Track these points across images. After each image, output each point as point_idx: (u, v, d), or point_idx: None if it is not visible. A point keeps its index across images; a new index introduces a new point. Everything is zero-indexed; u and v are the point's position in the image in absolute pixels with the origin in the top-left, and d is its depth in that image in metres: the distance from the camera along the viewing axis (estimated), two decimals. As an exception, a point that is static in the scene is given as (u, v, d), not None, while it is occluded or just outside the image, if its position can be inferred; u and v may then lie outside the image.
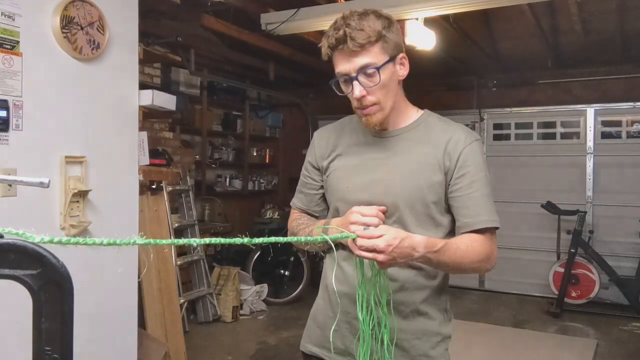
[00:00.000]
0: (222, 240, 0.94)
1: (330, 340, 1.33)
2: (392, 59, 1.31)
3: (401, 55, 1.34)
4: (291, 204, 1.56)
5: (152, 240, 0.82)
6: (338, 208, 1.42)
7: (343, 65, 1.29)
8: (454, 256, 1.26)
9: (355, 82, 1.29)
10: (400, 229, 1.25)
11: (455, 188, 1.34)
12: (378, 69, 1.28)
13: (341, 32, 1.27)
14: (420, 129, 1.40)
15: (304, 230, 1.43)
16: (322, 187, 1.49)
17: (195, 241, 0.92)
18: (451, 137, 1.36)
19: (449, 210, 1.37)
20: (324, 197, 1.50)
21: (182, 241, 0.92)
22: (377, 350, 1.26)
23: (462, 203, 1.33)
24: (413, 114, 1.43)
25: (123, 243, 0.77)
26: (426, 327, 1.38)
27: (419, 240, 1.19)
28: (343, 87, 1.34)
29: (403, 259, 1.18)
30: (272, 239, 1.07)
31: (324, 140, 1.49)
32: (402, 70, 1.35)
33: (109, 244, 0.75)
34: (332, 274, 1.34)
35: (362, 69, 1.27)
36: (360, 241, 1.15)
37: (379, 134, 1.41)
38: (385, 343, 1.23)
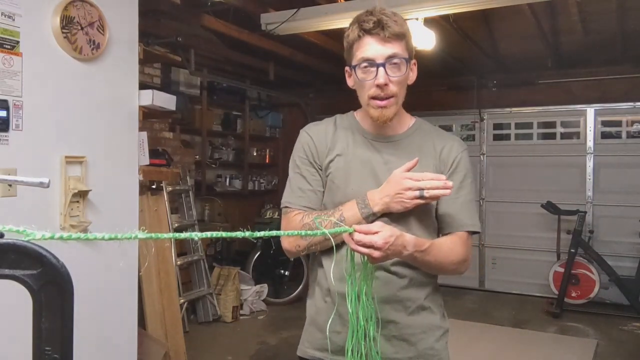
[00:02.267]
0: (223, 233, 0.93)
1: (327, 337, 1.32)
2: (410, 59, 1.36)
3: (414, 60, 1.40)
4: (290, 204, 1.42)
5: (153, 235, 0.81)
6: (338, 205, 1.40)
7: (372, 51, 1.30)
8: (437, 256, 1.31)
9: (381, 69, 1.30)
10: (405, 231, 1.27)
11: None
12: (407, 60, 1.32)
13: (378, 18, 1.29)
14: (416, 135, 1.45)
15: (326, 220, 1.31)
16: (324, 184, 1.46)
17: (196, 235, 0.91)
18: (445, 145, 1.43)
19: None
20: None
21: (183, 235, 0.92)
22: (369, 344, 1.26)
23: (448, 206, 1.39)
24: (408, 120, 1.47)
25: (124, 237, 0.77)
26: (430, 321, 1.42)
27: (409, 240, 1.24)
28: (361, 73, 1.33)
29: (393, 256, 1.22)
30: (274, 232, 1.06)
31: (321, 137, 1.45)
32: (412, 75, 1.40)
33: (110, 239, 0.75)
34: (332, 275, 1.32)
35: (390, 58, 1.30)
36: (357, 236, 1.16)
37: (378, 137, 1.43)
38: (371, 334, 1.23)
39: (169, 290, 3.82)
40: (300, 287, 5.54)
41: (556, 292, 5.38)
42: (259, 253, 5.63)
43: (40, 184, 0.83)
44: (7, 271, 0.63)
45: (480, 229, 1.42)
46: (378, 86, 1.31)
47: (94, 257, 2.33)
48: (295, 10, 3.82)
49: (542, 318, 5.23)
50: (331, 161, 1.43)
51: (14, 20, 2.04)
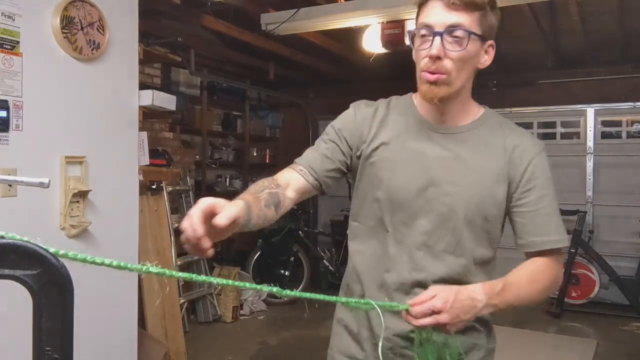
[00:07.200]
0: (248, 285, 0.88)
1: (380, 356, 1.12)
2: (483, 38, 1.17)
3: (491, 42, 1.21)
4: (296, 160, 1.28)
5: (166, 271, 0.77)
6: (379, 199, 1.23)
7: (433, 16, 1.12)
8: (518, 292, 1.14)
9: (437, 38, 1.11)
10: (452, 241, 1.16)
11: (521, 202, 1.20)
12: (469, 33, 1.12)
13: None
14: (482, 130, 1.24)
15: (261, 191, 1.13)
16: (342, 164, 1.27)
17: (216, 280, 0.86)
18: (518, 144, 1.22)
19: (503, 225, 1.24)
20: (336, 174, 1.27)
21: (201, 278, 0.85)
22: None
23: (529, 220, 1.19)
24: (474, 110, 1.27)
25: (135, 269, 0.73)
26: (474, 340, 1.27)
27: (475, 288, 1.08)
28: (418, 41, 1.16)
29: (468, 314, 1.06)
30: (313, 295, 0.96)
31: (367, 121, 1.26)
32: (485, 59, 1.22)
33: (119, 268, 0.71)
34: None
35: (452, 28, 1.11)
36: (415, 310, 1.03)
37: (436, 127, 1.23)
38: None
39: (169, 290, 3.82)
40: (300, 287, 5.54)
41: (556, 292, 5.37)
42: (259, 253, 5.63)
43: (40, 184, 0.83)
44: (7, 271, 0.63)
45: (567, 243, 1.20)
46: (430, 58, 1.12)
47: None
48: (295, 10, 3.82)
49: (542, 318, 5.22)
50: (374, 150, 1.24)
51: (14, 20, 2.04)
